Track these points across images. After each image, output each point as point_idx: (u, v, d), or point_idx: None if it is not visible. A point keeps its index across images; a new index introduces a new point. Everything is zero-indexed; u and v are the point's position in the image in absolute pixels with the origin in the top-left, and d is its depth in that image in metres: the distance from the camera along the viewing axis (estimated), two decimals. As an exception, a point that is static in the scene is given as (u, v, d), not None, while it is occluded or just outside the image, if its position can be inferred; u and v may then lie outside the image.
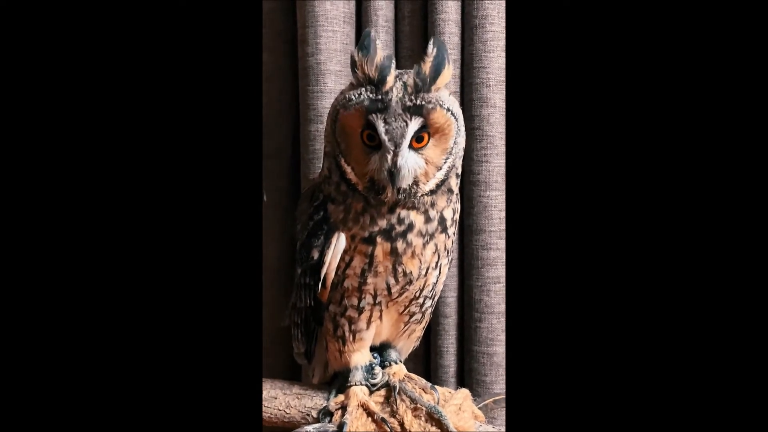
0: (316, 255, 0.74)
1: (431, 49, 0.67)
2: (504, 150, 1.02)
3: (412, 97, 0.66)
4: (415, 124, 0.67)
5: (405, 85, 0.67)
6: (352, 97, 0.68)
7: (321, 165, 0.81)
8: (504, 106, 1.02)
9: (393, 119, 0.66)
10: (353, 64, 0.68)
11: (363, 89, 0.67)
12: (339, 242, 0.73)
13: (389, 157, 0.67)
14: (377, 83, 0.66)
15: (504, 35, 1.01)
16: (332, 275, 0.75)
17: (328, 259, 0.73)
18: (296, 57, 1.09)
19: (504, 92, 1.02)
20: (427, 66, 0.67)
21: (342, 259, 0.74)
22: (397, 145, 0.67)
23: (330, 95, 1.05)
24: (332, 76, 1.05)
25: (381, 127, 0.66)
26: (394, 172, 0.67)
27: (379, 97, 0.66)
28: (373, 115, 0.67)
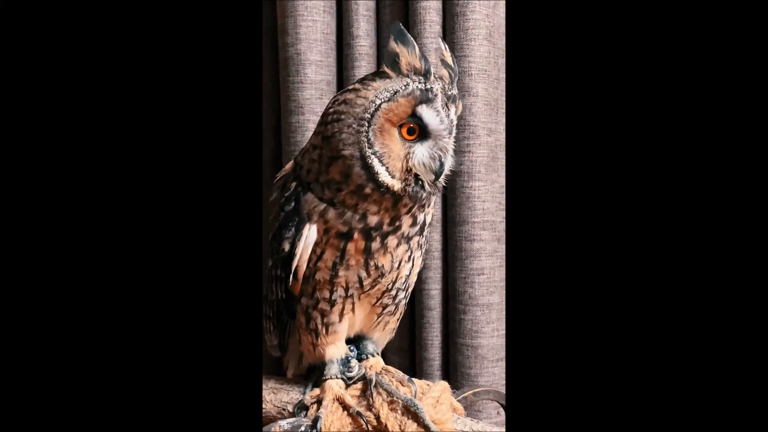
0: (287, 247, 0.73)
1: (444, 46, 0.72)
2: (486, 140, 1.01)
3: (451, 87, 0.69)
4: (454, 112, 0.70)
5: (440, 76, 0.69)
6: (398, 89, 0.67)
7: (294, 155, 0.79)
8: (486, 95, 1.01)
9: (443, 108, 0.68)
10: (393, 57, 0.68)
11: (409, 80, 0.67)
12: (310, 234, 0.72)
13: (443, 144, 0.69)
14: (425, 74, 0.68)
15: (486, 23, 1.00)
16: (303, 267, 0.74)
17: (299, 251, 0.72)
18: (276, 47, 1.07)
19: (486, 81, 1.00)
20: (448, 58, 0.70)
21: (313, 251, 0.72)
22: (450, 133, 0.69)
23: (310, 86, 1.03)
24: (312, 66, 1.04)
25: (433, 117, 0.68)
26: (443, 162, 0.69)
27: (429, 86, 0.67)
28: (422, 105, 0.67)
